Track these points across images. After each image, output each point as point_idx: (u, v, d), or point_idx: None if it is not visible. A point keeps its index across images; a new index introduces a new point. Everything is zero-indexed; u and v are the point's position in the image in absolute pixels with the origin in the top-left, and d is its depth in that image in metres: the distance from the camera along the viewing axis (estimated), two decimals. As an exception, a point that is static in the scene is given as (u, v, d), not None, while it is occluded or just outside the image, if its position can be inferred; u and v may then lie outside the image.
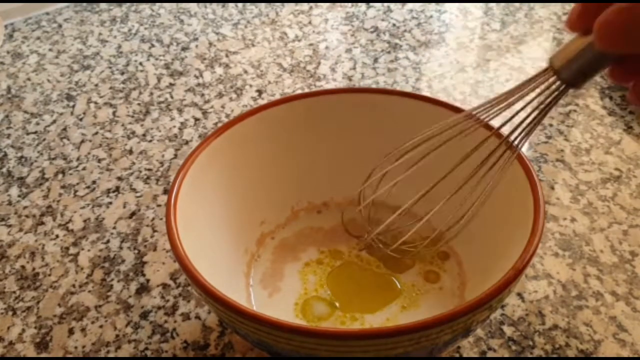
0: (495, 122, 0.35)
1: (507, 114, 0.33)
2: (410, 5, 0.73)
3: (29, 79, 0.64)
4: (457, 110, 0.40)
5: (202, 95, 0.61)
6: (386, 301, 0.40)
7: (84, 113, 0.60)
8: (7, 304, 0.43)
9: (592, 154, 0.52)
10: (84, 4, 0.76)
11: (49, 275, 0.44)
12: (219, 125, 0.56)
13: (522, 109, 0.32)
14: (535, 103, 0.32)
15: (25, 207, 0.50)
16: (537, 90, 0.31)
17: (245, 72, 0.64)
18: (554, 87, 0.31)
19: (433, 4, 0.73)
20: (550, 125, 0.55)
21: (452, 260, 0.41)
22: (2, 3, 0.72)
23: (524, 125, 0.32)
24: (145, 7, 0.75)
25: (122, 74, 0.65)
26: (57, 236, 0.47)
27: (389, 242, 0.40)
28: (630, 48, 0.26)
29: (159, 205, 0.49)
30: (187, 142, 0.55)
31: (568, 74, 0.30)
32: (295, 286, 0.41)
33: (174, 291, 0.43)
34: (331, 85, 0.61)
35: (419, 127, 0.40)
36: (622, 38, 0.25)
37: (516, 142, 0.33)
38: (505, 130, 0.35)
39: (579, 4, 0.28)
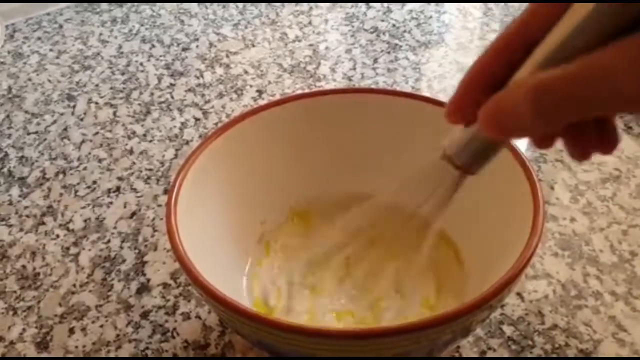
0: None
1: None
2: (409, 5, 0.73)
3: (29, 79, 0.65)
4: None
5: (203, 95, 0.61)
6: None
7: (85, 113, 0.60)
8: (8, 304, 0.43)
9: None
10: (85, 5, 0.76)
11: (50, 275, 0.45)
12: (220, 125, 0.56)
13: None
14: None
15: (26, 207, 0.50)
16: (435, 182, 0.30)
17: (246, 72, 0.64)
18: (451, 175, 0.29)
19: (433, 4, 0.73)
20: (550, 125, 0.55)
21: (451, 259, 0.42)
22: (2, 3, 0.72)
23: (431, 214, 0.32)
24: (146, 8, 0.75)
25: (123, 74, 0.65)
26: (57, 236, 0.47)
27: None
28: (520, 134, 0.26)
29: (159, 205, 0.49)
30: (187, 142, 0.55)
31: (462, 161, 0.28)
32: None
33: (174, 291, 0.43)
34: (331, 86, 0.61)
35: (419, 127, 0.40)
36: (510, 126, 0.24)
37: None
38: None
39: (453, 100, 0.27)
